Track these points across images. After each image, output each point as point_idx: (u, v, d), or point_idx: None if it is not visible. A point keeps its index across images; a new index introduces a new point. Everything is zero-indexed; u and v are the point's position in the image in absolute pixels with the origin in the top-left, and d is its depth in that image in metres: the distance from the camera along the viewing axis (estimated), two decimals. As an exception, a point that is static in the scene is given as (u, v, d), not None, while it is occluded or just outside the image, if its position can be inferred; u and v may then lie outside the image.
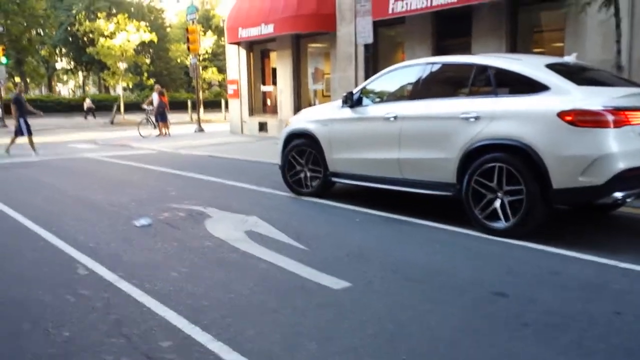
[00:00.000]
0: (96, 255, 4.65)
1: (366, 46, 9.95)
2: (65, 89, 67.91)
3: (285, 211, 6.45)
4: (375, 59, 14.22)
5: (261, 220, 5.78)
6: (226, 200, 7.00)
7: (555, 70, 5.05)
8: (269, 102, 18.61)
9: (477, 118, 5.16)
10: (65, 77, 61.24)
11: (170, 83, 43.98)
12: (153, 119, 19.50)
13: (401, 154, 5.86)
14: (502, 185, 4.98)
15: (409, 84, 6.11)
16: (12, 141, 13.69)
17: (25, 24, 37.85)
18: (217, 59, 45.69)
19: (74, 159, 12.62)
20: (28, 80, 50.98)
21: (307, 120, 7.16)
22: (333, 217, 6.07)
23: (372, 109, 6.36)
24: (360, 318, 3.26)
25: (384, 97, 6.52)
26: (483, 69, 5.43)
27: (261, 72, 18.85)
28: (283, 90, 17.16)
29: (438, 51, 12.61)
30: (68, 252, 4.80)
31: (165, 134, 19.20)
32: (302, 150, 7.12)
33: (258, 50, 18.59)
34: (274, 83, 18.28)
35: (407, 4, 11.87)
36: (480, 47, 11.33)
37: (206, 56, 40.57)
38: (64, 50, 47.74)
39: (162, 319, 3.31)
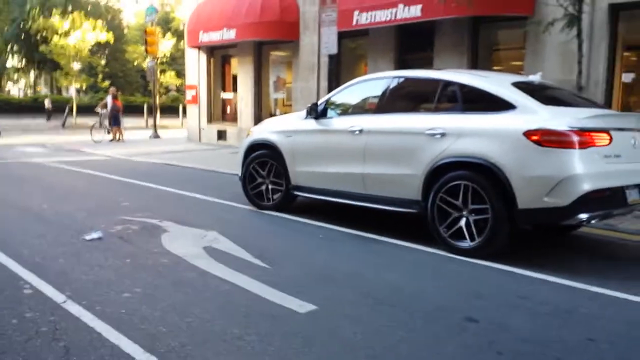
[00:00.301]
0: (42, 272, 4.31)
1: (330, 57, 9.86)
2: (15, 89, 65.19)
3: (246, 226, 6.23)
4: (338, 70, 14.15)
5: (221, 235, 5.54)
6: (183, 213, 6.72)
7: (521, 89, 5.05)
8: (228, 109, 18.28)
9: (443, 135, 5.10)
10: (15, 76, 58.81)
11: (126, 86, 42.86)
12: (107, 123, 18.86)
13: (366, 168, 5.75)
14: (467, 203, 4.93)
15: (375, 97, 6.02)
16: None
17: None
18: (175, 62, 44.83)
19: (21, 163, 11.99)
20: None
21: (270, 130, 6.97)
22: (296, 233, 5.89)
23: (337, 122, 6.24)
24: (330, 347, 3.09)
25: (349, 110, 6.41)
26: (449, 84, 5.39)
27: (221, 78, 18.53)
28: (243, 97, 16.89)
29: (400, 64, 12.67)
30: (11, 268, 4.44)
31: (119, 139, 18.60)
32: (264, 162, 6.92)
33: (219, 55, 18.27)
34: (234, 90, 18.00)
35: (371, 16, 11.87)
36: (441, 62, 11.44)
37: (164, 59, 39.74)
38: (15, 47, 45.82)
39: (115, 346, 3.05)
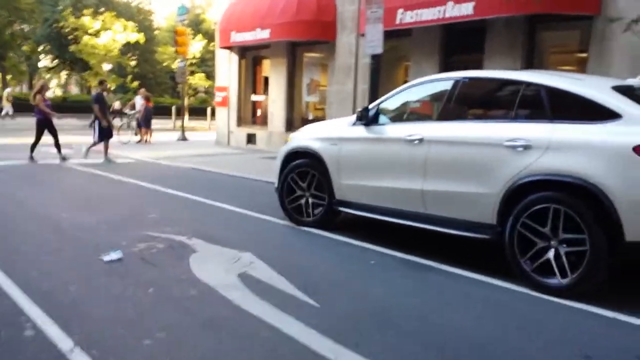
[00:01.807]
0: (49, 305, 3.61)
1: (374, 57, 9.04)
2: (9, 87, 65.95)
3: (284, 246, 5.46)
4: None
5: (257, 258, 4.79)
6: (213, 228, 5.99)
7: (625, 95, 4.17)
8: (259, 112, 17.61)
9: (526, 147, 4.25)
10: (47, 76, 59.53)
11: (155, 87, 42.71)
12: (134, 124, 18.37)
13: (426, 184, 4.92)
14: (557, 231, 4.07)
15: (439, 101, 5.20)
16: (106, 148, 12.42)
17: (8, 17, 36.35)
18: (205, 64, 44.56)
19: (43, 165, 11.46)
20: (8, 77, 49.35)
21: (312, 137, 6.19)
22: (343, 258, 5.08)
23: (391, 129, 5.42)
24: None
25: (405, 116, 5.60)
26: (533, 87, 4.53)
27: (252, 80, 17.87)
28: (275, 100, 16.20)
29: (446, 67, 11.78)
30: (14, 298, 3.75)
31: (147, 141, 18.10)
32: (305, 172, 6.15)
33: (250, 56, 17.63)
34: (265, 92, 17.34)
35: (417, 14, 11.02)
36: (493, 65, 10.52)
37: (194, 61, 39.44)
38: (47, 47, 46.18)
39: None
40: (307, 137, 6.33)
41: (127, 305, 3.70)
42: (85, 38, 28.44)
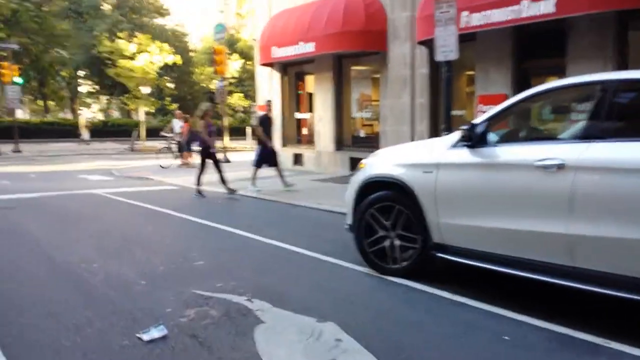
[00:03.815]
0: None
1: (447, 64, 7.79)
2: (89, 113, 67.03)
3: (375, 310, 4.11)
4: (434, 83, 12.10)
5: (344, 332, 3.53)
6: (279, 281, 4.77)
7: None
8: (304, 131, 16.51)
9: None
10: (88, 101, 60.32)
11: (193, 108, 42.36)
12: (175, 147, 17.53)
13: (574, 226, 3.58)
14: None
15: (582, 113, 3.88)
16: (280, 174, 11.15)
17: (45, 44, 36.66)
18: (241, 84, 44.11)
19: (78, 195, 10.57)
20: (51, 103, 50.01)
21: (396, 163, 4.93)
22: (458, 329, 3.71)
23: (510, 151, 4.11)
24: None
25: (530, 134, 4.29)
26: None
27: (295, 97, 16.82)
28: (322, 117, 15.07)
29: (519, 74, 10.43)
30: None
31: (189, 164, 17.24)
32: (388, 208, 4.89)
33: (292, 72, 16.60)
34: (310, 110, 16.26)
35: (485, 16, 9.70)
36: (579, 69, 9.07)
37: (232, 80, 38.90)
38: (85, 72, 46.64)
39: None
40: (388, 163, 5.06)
41: None
42: (122, 61, 28.06)
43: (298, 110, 16.69)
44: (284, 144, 16.35)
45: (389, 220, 4.88)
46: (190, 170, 16.16)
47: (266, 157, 11.03)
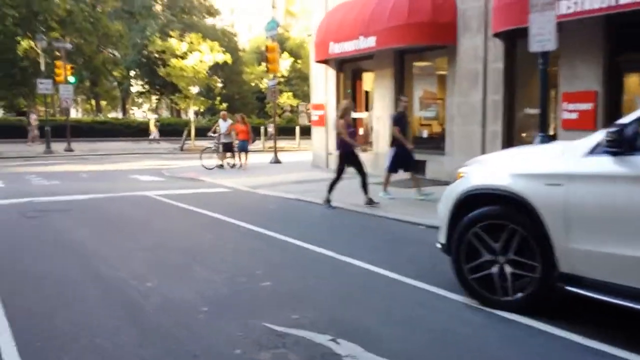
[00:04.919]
0: None
1: (543, 55, 6.80)
2: (139, 112, 68.31)
3: (490, 356, 3.28)
4: (510, 78, 11.04)
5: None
6: (365, 314, 3.94)
7: None
8: (360, 131, 15.65)
9: None
10: (140, 100, 61.36)
11: (241, 108, 42.19)
12: (221, 148, 16.98)
13: None
14: None
15: None
16: (387, 180, 9.93)
17: (98, 44, 37.19)
18: (290, 83, 43.66)
19: (129, 198, 10.06)
20: (102, 102, 51.04)
21: (510, 172, 4.03)
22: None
23: (675, 161, 3.18)
24: None
25: None
26: None
27: (352, 95, 16.00)
28: (380, 117, 14.20)
29: (613, 68, 9.27)
30: None
31: (241, 165, 16.72)
32: (497, 227, 4.00)
33: (349, 69, 15.79)
34: (367, 109, 15.41)
35: (576, 3, 8.58)
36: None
37: (282, 79, 38.48)
38: (137, 72, 47.28)
39: None
40: (496, 172, 4.17)
41: None
42: (173, 60, 27.94)
43: (355, 109, 15.85)
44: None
45: (498, 242, 3.99)
46: (240, 171, 15.62)
47: (403, 161, 9.68)
